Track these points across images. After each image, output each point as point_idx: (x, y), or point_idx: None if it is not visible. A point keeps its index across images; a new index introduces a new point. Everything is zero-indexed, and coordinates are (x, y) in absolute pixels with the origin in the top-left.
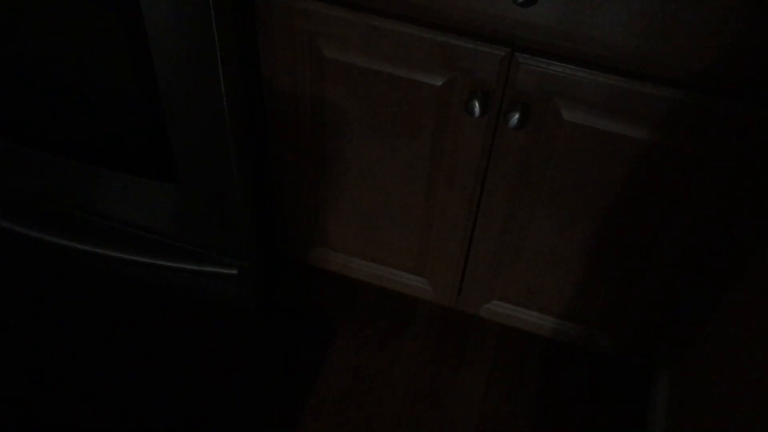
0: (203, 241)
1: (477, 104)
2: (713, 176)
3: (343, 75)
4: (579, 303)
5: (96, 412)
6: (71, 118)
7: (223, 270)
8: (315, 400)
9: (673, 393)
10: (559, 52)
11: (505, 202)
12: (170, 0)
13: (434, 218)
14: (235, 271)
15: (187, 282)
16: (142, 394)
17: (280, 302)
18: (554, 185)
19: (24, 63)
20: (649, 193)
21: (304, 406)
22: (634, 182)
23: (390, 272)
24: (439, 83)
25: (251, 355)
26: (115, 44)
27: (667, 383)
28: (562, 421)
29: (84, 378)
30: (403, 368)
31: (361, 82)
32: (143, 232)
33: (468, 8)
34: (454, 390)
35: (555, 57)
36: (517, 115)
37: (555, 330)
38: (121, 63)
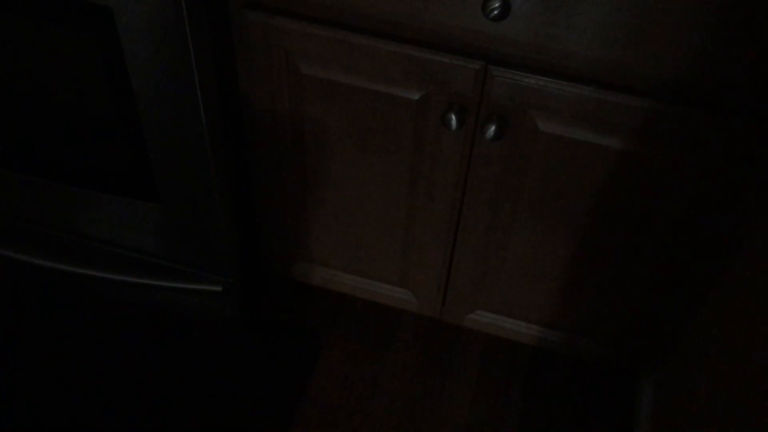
0: (187, 259)
1: (454, 117)
2: (688, 184)
3: (320, 91)
4: (562, 311)
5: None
6: (52, 140)
7: (207, 287)
8: (302, 414)
9: (658, 398)
10: (533, 65)
11: (485, 213)
12: (146, 21)
13: (416, 231)
14: (219, 288)
15: (172, 299)
16: (128, 412)
17: (266, 318)
18: (533, 195)
19: (2, 87)
20: (626, 201)
21: (292, 420)
22: (611, 191)
23: (374, 285)
24: (416, 97)
25: (238, 370)
26: (93, 66)
27: (652, 388)
28: (548, 429)
29: (70, 398)
30: (389, 380)
31: (338, 97)
32: (127, 252)
33: (442, 23)
34: (441, 400)
35: (529, 69)
36: (493, 127)
37: (540, 338)
38: (99, 84)
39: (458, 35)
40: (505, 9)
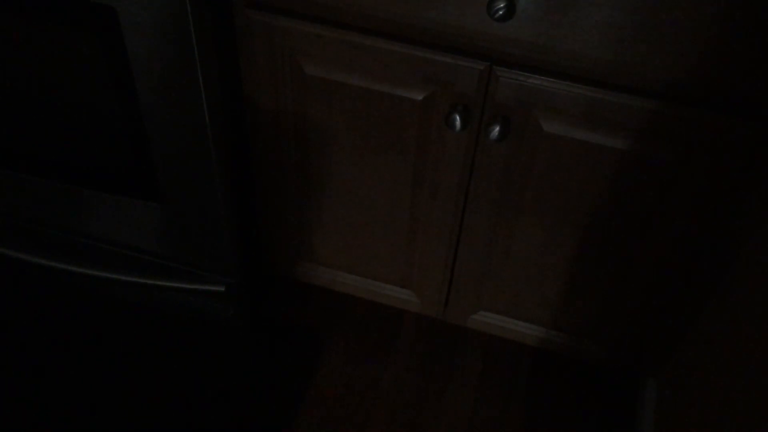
0: (189, 259)
1: (458, 118)
2: (691, 184)
3: (324, 91)
4: (565, 311)
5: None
6: (55, 140)
7: (210, 287)
8: (304, 415)
9: (661, 398)
10: (537, 65)
11: (488, 214)
12: (150, 21)
13: (419, 231)
14: (222, 288)
15: (174, 300)
16: (129, 412)
17: (269, 318)
18: (536, 196)
19: (6, 87)
20: (629, 201)
21: (294, 420)
22: (614, 191)
23: (377, 285)
24: (420, 98)
25: (240, 371)
26: (96, 66)
27: (655, 389)
28: (551, 430)
29: (71, 397)
30: (392, 381)
31: (342, 98)
32: (129, 252)
33: (446, 23)
34: (444, 401)
35: (533, 70)
36: (497, 128)
37: (542, 339)
38: (103, 84)
39: (463, 35)
40: (510, 9)
